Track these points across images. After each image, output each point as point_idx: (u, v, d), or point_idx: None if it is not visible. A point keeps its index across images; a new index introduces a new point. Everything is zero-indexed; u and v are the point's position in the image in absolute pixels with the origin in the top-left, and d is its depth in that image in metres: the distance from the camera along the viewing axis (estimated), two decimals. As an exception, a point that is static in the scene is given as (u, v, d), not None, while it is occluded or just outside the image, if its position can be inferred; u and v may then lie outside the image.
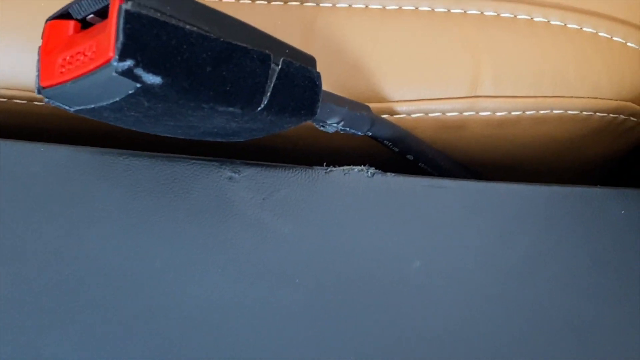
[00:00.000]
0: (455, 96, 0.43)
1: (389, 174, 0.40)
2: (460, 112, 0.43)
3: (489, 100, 0.43)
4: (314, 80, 0.37)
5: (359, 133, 0.41)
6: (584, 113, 0.44)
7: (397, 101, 0.43)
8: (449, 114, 0.44)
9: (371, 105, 0.42)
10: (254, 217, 0.40)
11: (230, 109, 0.34)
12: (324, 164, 0.40)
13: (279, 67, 0.35)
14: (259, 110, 0.35)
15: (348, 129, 0.41)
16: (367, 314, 0.38)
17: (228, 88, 0.33)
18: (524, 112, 0.44)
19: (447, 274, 0.39)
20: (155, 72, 0.31)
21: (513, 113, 0.43)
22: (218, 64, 0.33)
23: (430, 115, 0.43)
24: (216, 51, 0.33)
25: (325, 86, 0.38)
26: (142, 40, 0.31)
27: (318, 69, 0.38)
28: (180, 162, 0.40)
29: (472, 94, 0.43)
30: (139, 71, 0.31)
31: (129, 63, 0.30)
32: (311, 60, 0.37)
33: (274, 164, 0.41)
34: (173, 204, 0.40)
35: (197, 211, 0.40)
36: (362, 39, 0.43)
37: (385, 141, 0.43)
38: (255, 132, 0.38)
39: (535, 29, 0.44)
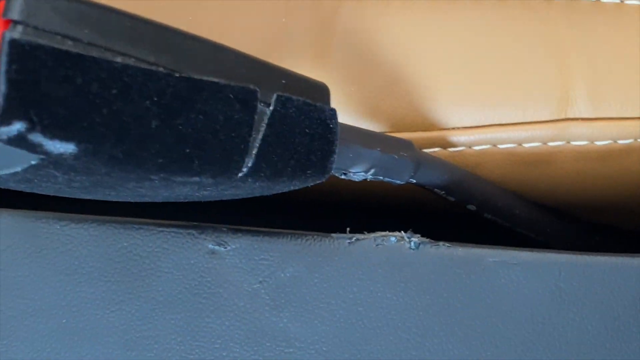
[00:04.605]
0: (536, 120, 0.35)
1: (441, 243, 0.30)
2: (544, 142, 0.35)
3: (584, 125, 0.35)
4: (325, 123, 0.26)
5: (398, 182, 0.31)
6: None
7: (453, 128, 0.35)
8: (527, 145, 0.35)
9: (416, 135, 0.35)
10: (247, 309, 0.31)
11: (195, 179, 0.24)
12: (347, 229, 0.29)
13: (271, 107, 0.25)
14: (240, 177, 0.24)
15: (381, 177, 0.30)
16: None
17: (188, 151, 0.23)
18: (635, 139, 0.35)
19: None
20: (64, 138, 0.21)
21: (620, 142, 0.35)
22: (171, 114, 0.23)
23: (500, 147, 0.36)
24: (168, 94, 0.23)
25: (347, 114, 0.33)
26: (40, 87, 0.21)
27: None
28: (141, 230, 0.30)
29: (561, 117, 0.35)
30: (36, 137, 0.21)
31: (18, 127, 0.20)
32: (321, 91, 0.27)
33: (274, 230, 0.31)
34: (131, 292, 0.31)
35: (165, 301, 0.31)
36: (402, 40, 0.35)
37: (436, 189, 0.32)
38: (242, 195, 0.27)
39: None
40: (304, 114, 0.27)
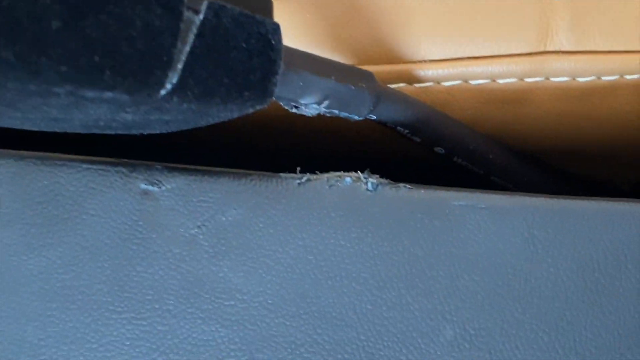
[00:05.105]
0: (512, 53, 0.32)
1: (401, 185, 0.27)
2: (521, 78, 0.33)
3: (566, 59, 0.32)
4: (266, 38, 0.23)
5: (356, 117, 0.28)
6: None
7: (420, 61, 0.32)
8: (502, 81, 0.33)
9: (379, 68, 0.32)
10: (183, 257, 0.28)
11: (108, 94, 0.20)
12: (298, 169, 0.27)
13: (201, 15, 0.21)
14: (163, 95, 0.21)
15: (337, 111, 0.27)
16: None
17: (97, 59, 0.20)
18: (621, 75, 0.33)
19: (498, 349, 0.27)
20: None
21: (604, 78, 0.33)
22: (75, 15, 0.20)
23: (472, 83, 0.33)
24: (71, -10, 0.19)
25: (302, 44, 0.30)
26: None
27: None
28: (64, 167, 0.27)
29: (540, 49, 0.32)
30: None
31: None
32: (263, 3, 0.24)
33: (215, 169, 0.28)
34: (53, 236, 0.28)
35: (91, 247, 0.28)
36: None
37: (399, 127, 0.29)
38: (173, 124, 0.24)
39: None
40: (241, 25, 0.23)
